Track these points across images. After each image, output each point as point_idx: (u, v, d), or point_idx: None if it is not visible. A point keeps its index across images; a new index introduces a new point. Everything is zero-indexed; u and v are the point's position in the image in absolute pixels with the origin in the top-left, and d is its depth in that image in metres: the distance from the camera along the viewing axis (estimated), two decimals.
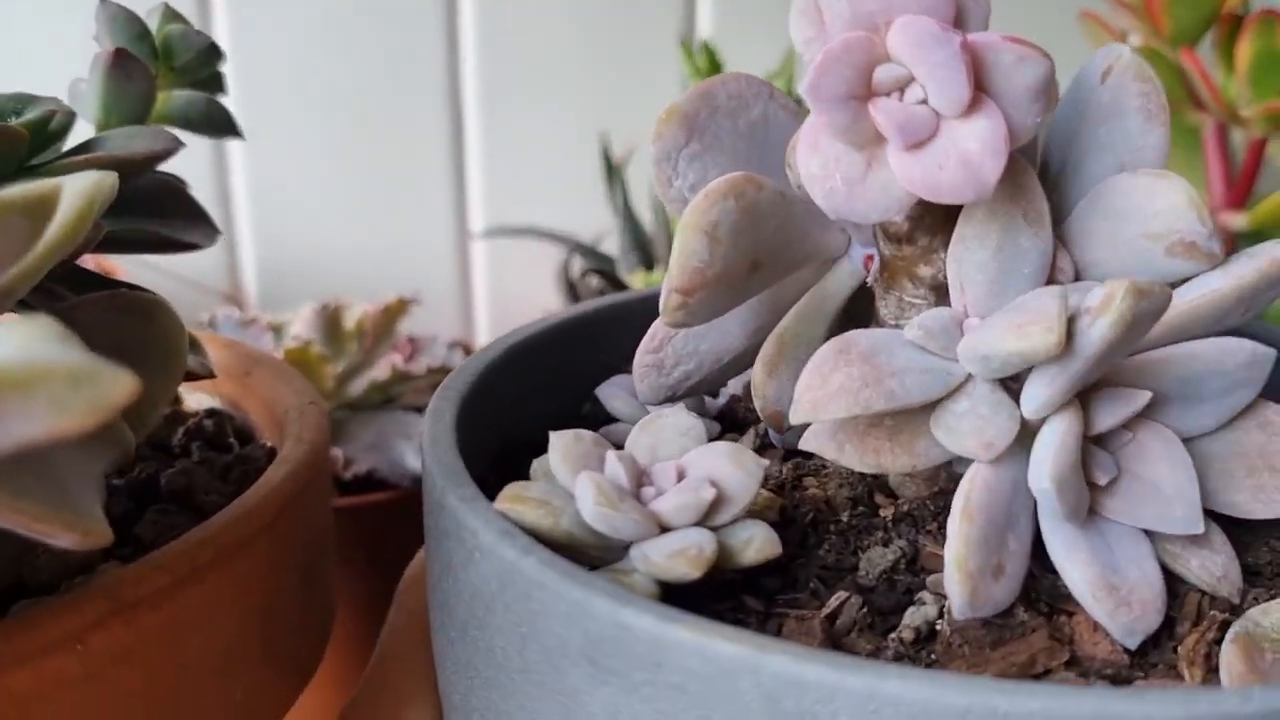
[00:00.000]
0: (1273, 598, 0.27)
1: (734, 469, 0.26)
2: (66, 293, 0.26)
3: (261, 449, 0.34)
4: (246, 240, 0.64)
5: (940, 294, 0.27)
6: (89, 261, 0.34)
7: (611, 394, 0.34)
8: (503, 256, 0.68)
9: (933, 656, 0.24)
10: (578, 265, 0.61)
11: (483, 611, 0.24)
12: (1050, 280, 0.27)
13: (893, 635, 0.25)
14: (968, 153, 0.24)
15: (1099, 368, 0.24)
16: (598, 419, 0.34)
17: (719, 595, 0.26)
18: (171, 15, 0.32)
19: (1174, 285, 0.26)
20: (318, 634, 0.31)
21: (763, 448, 0.32)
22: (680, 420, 0.27)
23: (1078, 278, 0.27)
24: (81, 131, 0.30)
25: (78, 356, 0.19)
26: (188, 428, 0.34)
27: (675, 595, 0.25)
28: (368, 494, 0.47)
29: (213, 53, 0.32)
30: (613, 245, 0.62)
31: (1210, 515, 0.27)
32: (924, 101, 0.24)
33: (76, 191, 0.23)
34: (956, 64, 0.23)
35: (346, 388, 0.49)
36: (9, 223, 0.20)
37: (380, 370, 0.49)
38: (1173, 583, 0.27)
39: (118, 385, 0.19)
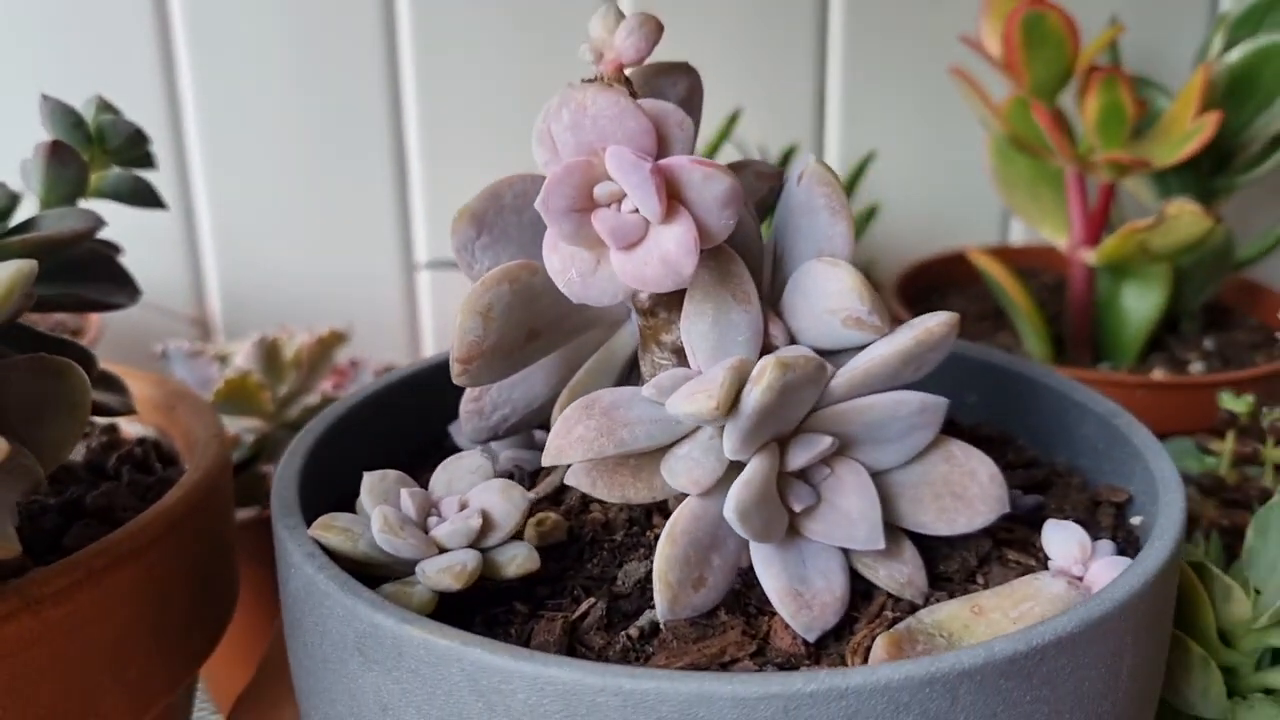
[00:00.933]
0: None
1: (503, 501, 0.32)
2: (8, 350, 0.33)
3: (181, 473, 0.41)
4: (211, 271, 0.71)
5: (681, 356, 0.34)
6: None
7: (459, 431, 0.41)
8: (448, 287, 0.74)
9: (649, 649, 0.31)
10: None
11: (298, 615, 0.31)
12: (765, 345, 0.33)
13: (624, 632, 0.31)
14: (667, 253, 0.30)
15: (770, 422, 0.30)
16: (454, 451, 0.41)
17: (495, 602, 0.33)
18: (104, 106, 0.39)
19: (857, 349, 0.32)
20: (209, 628, 0.38)
21: None
22: (471, 461, 0.34)
23: (792, 342, 0.33)
24: (32, 204, 0.37)
25: None
26: (120, 454, 0.42)
27: (455, 603, 0.32)
28: None
29: (139, 137, 0.39)
30: None
31: (906, 534, 0.34)
32: (636, 211, 0.31)
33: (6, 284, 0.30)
34: (648, 184, 0.30)
35: (285, 411, 0.56)
36: None
37: (314, 396, 0.56)
38: (871, 589, 0.33)
39: None
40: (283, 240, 0.72)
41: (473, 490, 0.33)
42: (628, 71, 0.33)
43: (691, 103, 0.34)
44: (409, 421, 0.41)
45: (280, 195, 0.72)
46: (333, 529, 0.31)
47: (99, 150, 0.39)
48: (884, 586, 0.33)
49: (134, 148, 0.40)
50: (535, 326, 0.34)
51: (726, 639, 0.31)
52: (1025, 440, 0.42)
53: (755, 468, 0.31)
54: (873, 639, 0.31)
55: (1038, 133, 0.61)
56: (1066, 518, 0.36)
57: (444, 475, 0.34)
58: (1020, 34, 0.57)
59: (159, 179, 0.47)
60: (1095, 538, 0.34)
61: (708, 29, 0.72)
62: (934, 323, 0.32)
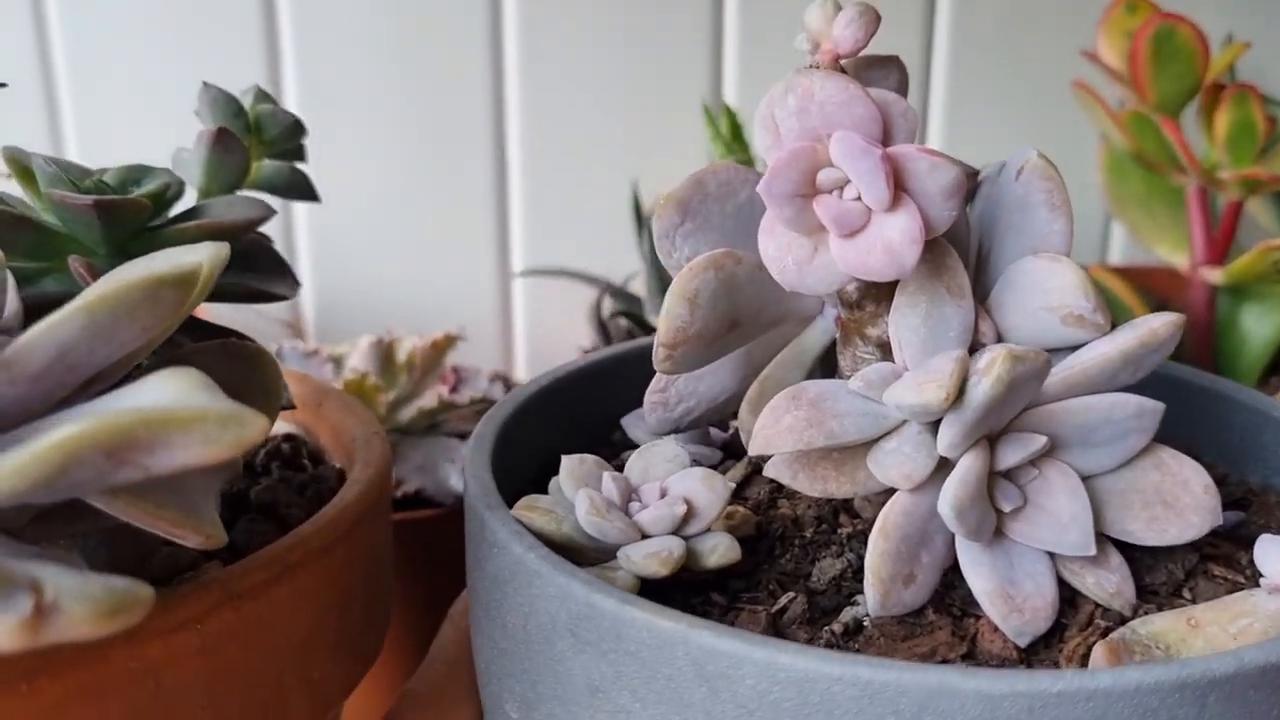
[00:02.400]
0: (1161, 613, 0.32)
1: (705, 489, 0.32)
2: (184, 339, 0.33)
3: (331, 470, 0.40)
4: (306, 275, 0.72)
5: (885, 351, 0.33)
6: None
7: (634, 423, 0.40)
8: (541, 295, 0.75)
9: (855, 646, 0.30)
10: (608, 305, 0.67)
11: (499, 595, 0.31)
12: (974, 343, 0.32)
13: (827, 628, 0.31)
14: (890, 241, 0.30)
15: (992, 417, 0.30)
16: (625, 444, 0.41)
17: (692, 592, 0.32)
18: (262, 96, 0.39)
19: (1073, 349, 0.32)
20: (378, 629, 0.37)
21: (753, 474, 0.38)
22: (668, 449, 0.34)
23: (1000, 340, 0.33)
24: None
25: (225, 403, 0.23)
26: (268, 450, 0.41)
27: (655, 591, 0.31)
28: (416, 510, 0.52)
29: (297, 128, 0.39)
30: (640, 287, 0.68)
31: (1113, 542, 0.33)
32: (858, 198, 0.30)
33: (209, 266, 0.30)
34: (877, 171, 0.29)
35: (397, 414, 0.55)
36: (161, 295, 0.25)
37: (428, 399, 0.55)
38: (1076, 597, 0.32)
39: (256, 426, 0.24)
40: (379, 246, 0.73)
41: (671, 478, 0.33)
42: (845, 63, 0.32)
43: (903, 95, 0.34)
44: (582, 414, 0.41)
45: (378, 200, 0.72)
46: (536, 510, 0.31)
47: (256, 140, 0.39)
48: (1091, 595, 0.32)
49: (290, 139, 0.39)
50: (736, 316, 0.34)
51: (936, 639, 0.30)
52: (1214, 457, 0.40)
53: (968, 464, 0.30)
54: (1087, 648, 0.30)
55: (1160, 148, 0.60)
56: (1274, 534, 0.35)
57: (640, 463, 0.33)
58: (1150, 48, 0.57)
59: None
60: None
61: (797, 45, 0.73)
62: (1159, 323, 0.31)
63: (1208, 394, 0.40)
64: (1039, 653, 0.30)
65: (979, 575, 0.31)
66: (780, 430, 0.31)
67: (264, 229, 0.36)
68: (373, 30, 0.69)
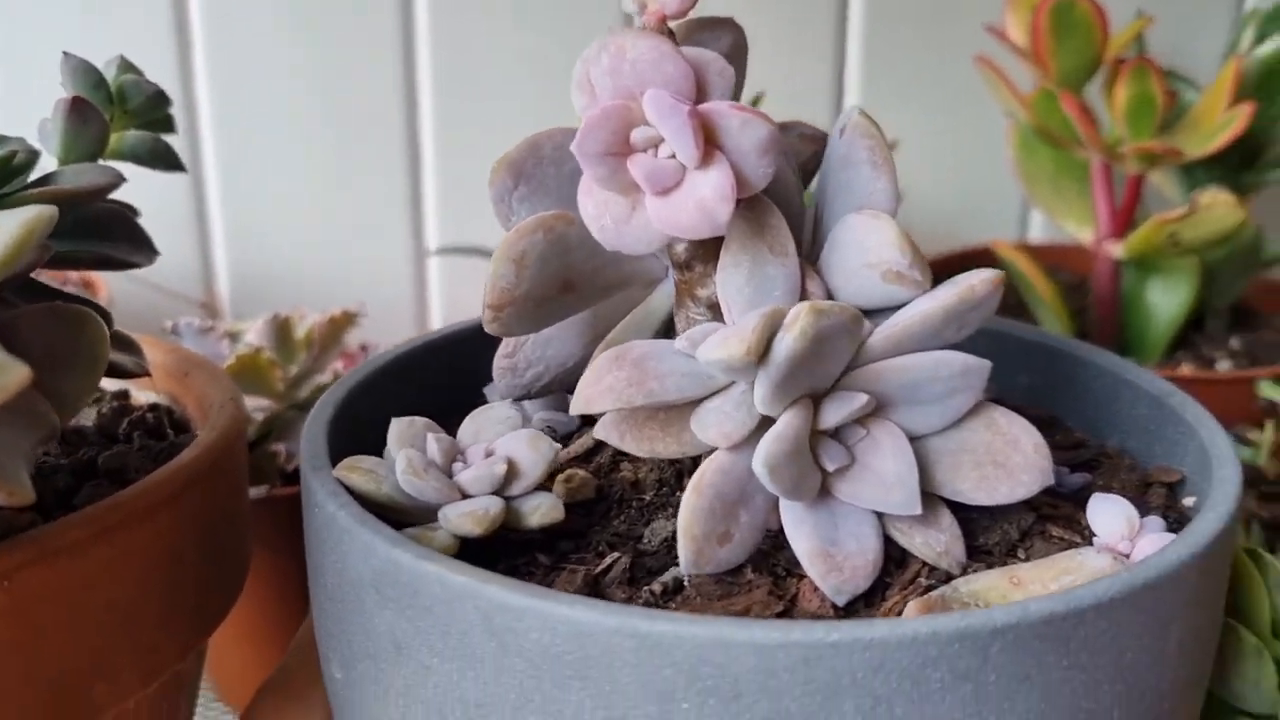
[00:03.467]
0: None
1: (529, 450, 0.32)
2: (18, 301, 0.33)
3: (193, 439, 0.39)
4: (221, 254, 0.72)
5: (716, 312, 0.33)
6: (65, 276, 0.40)
7: (494, 391, 0.40)
8: (455, 273, 0.75)
9: (672, 605, 0.30)
10: None
11: (319, 555, 0.31)
12: (801, 301, 0.32)
13: (647, 588, 0.31)
14: (703, 198, 0.30)
15: (803, 372, 0.29)
16: None
17: (519, 553, 0.32)
18: (126, 66, 0.38)
19: (896, 307, 0.32)
20: (221, 595, 0.37)
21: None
22: (500, 411, 0.34)
23: (830, 300, 0.32)
24: (48, 164, 0.36)
25: None
26: (132, 419, 0.41)
27: (481, 553, 0.31)
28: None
29: (160, 99, 0.38)
30: None
31: (946, 502, 0.33)
32: (673, 156, 0.30)
33: (19, 223, 0.30)
34: (686, 128, 0.29)
35: (296, 391, 0.55)
36: None
37: (326, 376, 0.55)
38: (906, 557, 0.32)
39: (15, 374, 0.26)
40: (294, 225, 0.73)
41: (499, 440, 0.32)
42: (671, 25, 0.32)
43: (734, 57, 0.34)
44: (443, 381, 0.41)
45: (292, 180, 0.72)
46: (357, 470, 0.31)
47: (119, 110, 0.38)
48: (919, 554, 0.32)
49: (154, 109, 0.39)
50: (569, 278, 0.34)
51: (752, 598, 0.30)
52: (1075, 423, 0.40)
53: (787, 421, 0.30)
54: (902, 605, 0.30)
55: (1064, 123, 0.61)
56: (1116, 494, 0.35)
57: (472, 425, 0.33)
58: (1049, 22, 0.58)
59: None
60: (1144, 515, 0.33)
61: (726, 14, 0.74)
62: (977, 279, 0.31)
63: (1072, 359, 0.40)
64: (859, 612, 0.30)
65: (800, 535, 0.31)
66: (601, 389, 0.31)
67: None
68: (285, 7, 0.69)
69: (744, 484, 0.31)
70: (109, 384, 0.43)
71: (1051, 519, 0.34)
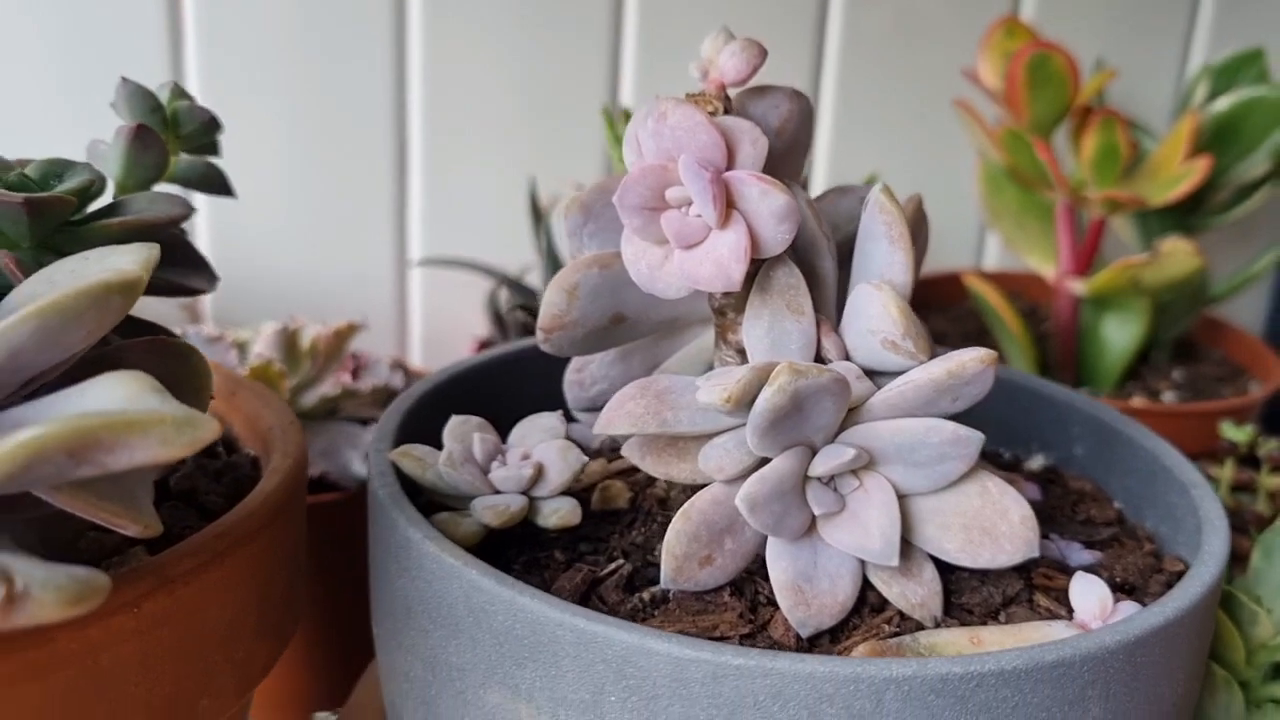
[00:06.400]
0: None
1: (559, 458, 0.36)
2: (113, 336, 0.32)
3: (245, 457, 0.41)
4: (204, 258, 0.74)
5: (744, 356, 0.36)
6: None
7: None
8: (437, 285, 0.77)
9: (655, 614, 0.34)
10: (504, 296, 0.69)
11: (372, 526, 0.37)
12: (818, 358, 0.35)
13: (638, 595, 0.34)
14: (720, 257, 0.33)
15: (788, 423, 0.32)
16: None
17: (541, 547, 0.36)
18: (179, 93, 0.39)
19: (898, 373, 0.34)
20: (295, 610, 0.39)
21: None
22: (547, 420, 0.38)
23: (846, 359, 0.35)
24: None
25: (179, 407, 0.25)
26: None
27: (504, 542, 0.36)
28: (319, 494, 0.52)
29: (212, 124, 0.39)
30: (536, 279, 0.70)
31: (933, 561, 0.35)
32: (700, 215, 0.34)
33: (136, 261, 0.29)
34: (707, 193, 0.32)
35: (300, 400, 0.56)
36: (110, 301, 0.27)
37: (330, 386, 0.56)
38: (885, 605, 0.35)
39: (209, 428, 0.25)
40: (278, 233, 0.74)
41: (538, 445, 0.37)
42: (733, 91, 0.36)
43: (791, 125, 0.37)
44: (536, 390, 0.46)
45: (277, 188, 0.74)
46: (409, 456, 0.36)
47: (172, 136, 0.39)
48: (896, 604, 0.34)
49: (206, 135, 0.40)
50: (621, 311, 0.38)
51: (723, 617, 0.33)
52: (1122, 499, 0.41)
53: (774, 466, 0.33)
54: (864, 648, 0.33)
55: (1034, 166, 0.65)
56: (1115, 578, 0.36)
57: (520, 430, 0.38)
58: (1025, 73, 0.62)
59: None
60: (1141, 602, 0.34)
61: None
62: (968, 357, 0.33)
63: (1122, 438, 0.41)
64: (822, 647, 0.33)
65: (777, 567, 0.34)
66: (621, 414, 0.35)
67: None
68: (275, 18, 0.70)
69: (734, 515, 0.34)
70: None
71: (1044, 590, 0.36)
